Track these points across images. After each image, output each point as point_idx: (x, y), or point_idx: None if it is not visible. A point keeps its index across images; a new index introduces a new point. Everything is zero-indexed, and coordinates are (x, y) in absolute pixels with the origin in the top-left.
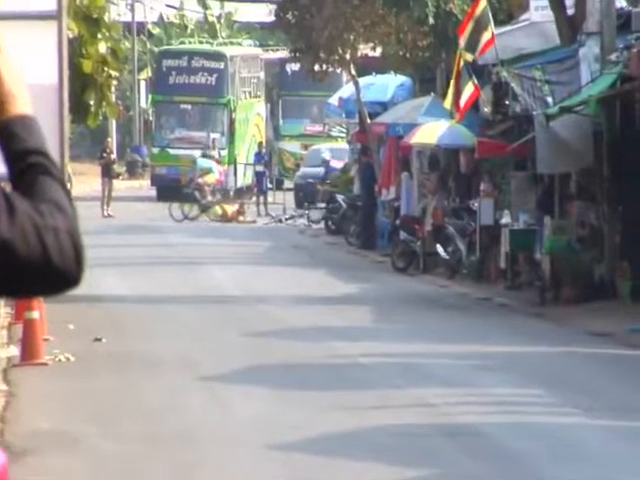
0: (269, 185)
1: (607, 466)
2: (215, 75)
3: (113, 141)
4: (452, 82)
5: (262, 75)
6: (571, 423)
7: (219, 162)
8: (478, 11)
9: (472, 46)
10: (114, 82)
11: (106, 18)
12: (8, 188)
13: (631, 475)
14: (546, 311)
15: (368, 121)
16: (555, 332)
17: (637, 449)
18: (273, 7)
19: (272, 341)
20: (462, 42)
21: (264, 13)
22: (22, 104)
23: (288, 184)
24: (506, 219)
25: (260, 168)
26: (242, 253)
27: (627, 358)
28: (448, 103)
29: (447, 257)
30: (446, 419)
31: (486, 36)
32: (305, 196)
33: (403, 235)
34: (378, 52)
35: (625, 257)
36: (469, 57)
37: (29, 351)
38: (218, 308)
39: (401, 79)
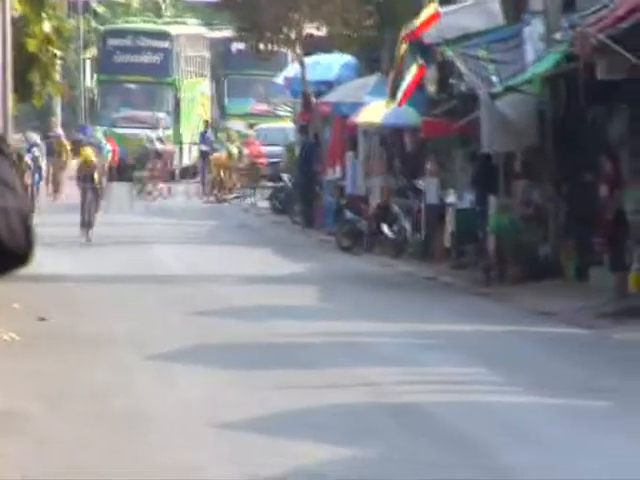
0: None
1: (548, 444)
2: (160, 54)
3: (58, 120)
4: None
5: (207, 54)
6: (514, 402)
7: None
8: None
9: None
10: (59, 61)
11: None
12: None
13: (570, 453)
14: (491, 290)
15: (314, 100)
16: (500, 311)
17: (579, 427)
18: None
19: (217, 320)
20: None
21: None
22: None
23: None
24: (451, 198)
25: (205, 147)
26: (187, 232)
27: (572, 336)
28: (390, 90)
29: (392, 236)
30: (390, 398)
31: (428, 13)
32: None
33: (348, 214)
34: (323, 31)
35: (570, 236)
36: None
37: None
38: (164, 287)
39: (346, 58)
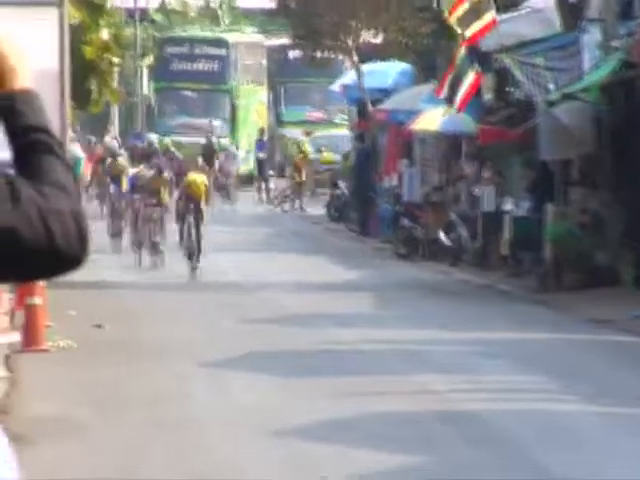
0: (270, 172)
1: (606, 453)
2: (217, 62)
3: (115, 128)
4: (449, 71)
5: (264, 62)
6: (572, 410)
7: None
8: None
9: (465, 23)
10: (116, 68)
11: (108, 5)
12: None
13: (628, 463)
14: (547, 298)
15: (370, 108)
16: (557, 319)
17: (634, 437)
18: None
19: (273, 328)
20: (455, 16)
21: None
22: (23, 79)
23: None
24: (508, 206)
25: (261, 155)
26: (244, 240)
27: (629, 345)
28: (442, 92)
29: (449, 244)
30: (447, 406)
31: (483, 22)
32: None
33: (405, 221)
34: (380, 39)
35: (628, 244)
36: (458, 29)
37: (31, 337)
38: (220, 295)
39: (402, 66)
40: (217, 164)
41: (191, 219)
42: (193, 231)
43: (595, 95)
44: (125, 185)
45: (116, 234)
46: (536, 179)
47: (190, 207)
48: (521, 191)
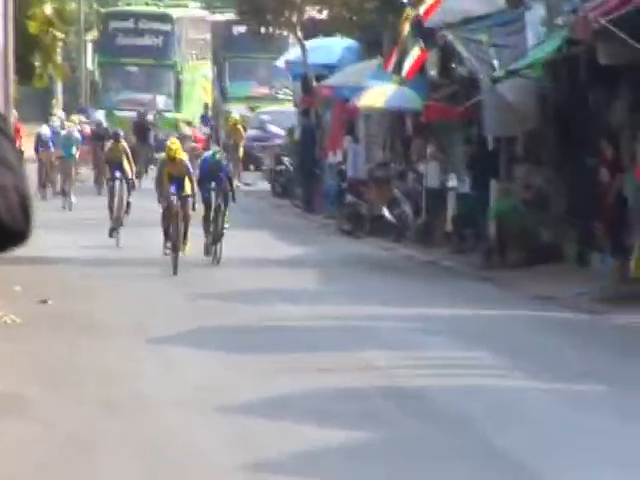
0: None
1: (550, 429)
2: (162, 37)
3: (59, 103)
4: (395, 46)
5: (209, 37)
6: (516, 386)
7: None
8: None
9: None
10: (60, 43)
11: None
12: None
13: (573, 438)
14: (492, 275)
15: (314, 84)
16: (501, 295)
17: (579, 412)
18: None
19: (219, 304)
20: None
21: None
22: None
23: None
24: (452, 182)
25: (206, 130)
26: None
27: (572, 321)
28: (390, 68)
29: (393, 220)
30: (391, 382)
31: None
32: (250, 159)
33: (349, 198)
34: (325, 14)
35: (571, 220)
36: (411, 12)
37: None
38: (165, 270)
39: (347, 42)
40: (152, 139)
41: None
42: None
43: (539, 72)
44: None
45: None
46: (474, 155)
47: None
48: (462, 168)
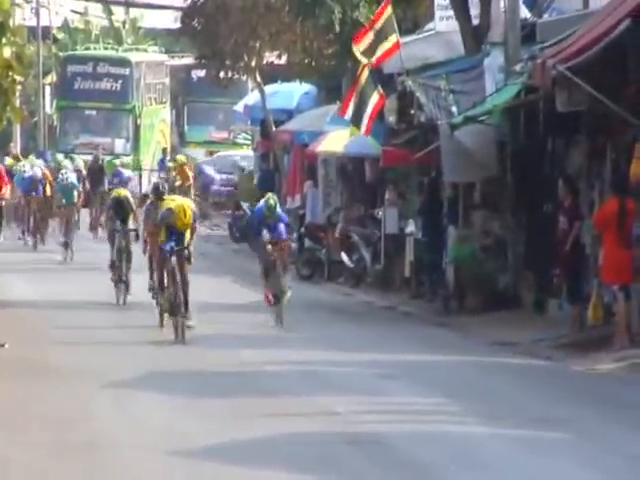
0: None
1: (508, 475)
2: (120, 81)
3: (17, 146)
4: (352, 90)
5: (168, 81)
6: (474, 432)
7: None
8: (382, 19)
9: (370, 53)
10: (18, 87)
11: (11, 22)
12: None
13: None
14: (450, 320)
15: (273, 129)
16: (458, 341)
17: (537, 458)
18: (179, 14)
19: (178, 348)
20: (359, 48)
21: (170, 19)
22: None
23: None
24: (410, 228)
25: (163, 175)
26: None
27: (529, 367)
28: (347, 113)
29: (352, 265)
30: (349, 427)
31: (387, 45)
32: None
33: (308, 243)
34: (284, 60)
35: (529, 267)
36: (364, 60)
37: None
38: (124, 314)
39: (307, 87)
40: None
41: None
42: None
43: (498, 118)
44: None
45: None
46: (425, 202)
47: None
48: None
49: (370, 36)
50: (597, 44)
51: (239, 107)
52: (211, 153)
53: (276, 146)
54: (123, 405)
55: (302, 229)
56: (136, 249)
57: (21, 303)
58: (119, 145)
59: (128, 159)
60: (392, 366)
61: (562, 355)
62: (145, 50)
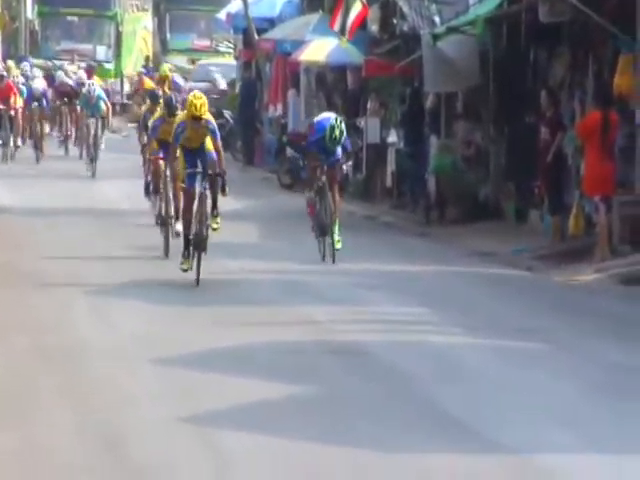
0: None
1: (487, 385)
2: None
3: None
4: (340, 2)
5: None
6: (453, 342)
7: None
8: None
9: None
10: None
11: None
12: None
13: (499, 389)
14: (431, 230)
15: (256, 37)
16: (439, 251)
17: (518, 368)
18: None
19: (159, 257)
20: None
21: None
22: None
23: None
24: (392, 138)
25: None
26: (128, 167)
27: (511, 278)
28: (336, 25)
29: None
30: (331, 336)
31: None
32: None
33: (290, 152)
34: None
35: (510, 178)
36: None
37: None
38: (104, 221)
39: None
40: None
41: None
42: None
43: (480, 29)
44: None
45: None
46: (406, 113)
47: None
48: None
49: None
50: None
51: (221, 15)
52: (193, 61)
53: (258, 55)
54: (103, 312)
55: (284, 137)
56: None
57: (8, 209)
58: (101, 52)
59: (110, 66)
60: (373, 276)
61: (542, 266)
62: None
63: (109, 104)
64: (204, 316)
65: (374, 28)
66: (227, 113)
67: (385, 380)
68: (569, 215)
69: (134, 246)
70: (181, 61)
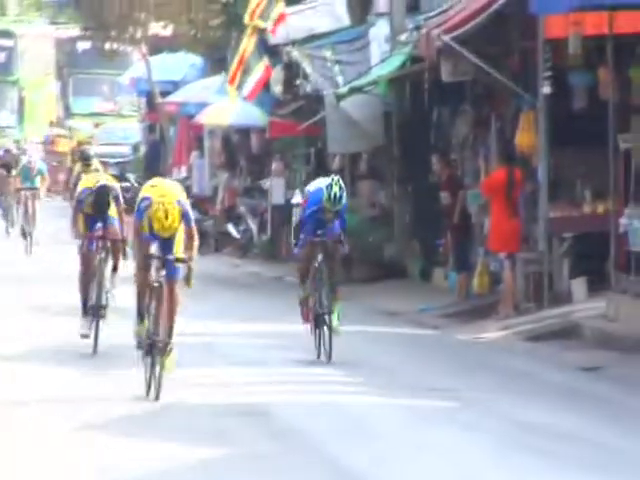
0: (54, 163)
1: (397, 444)
2: (4, 53)
3: None
4: (240, 61)
5: (53, 53)
6: (357, 401)
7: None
8: None
9: (265, 19)
10: None
11: None
12: None
13: (407, 448)
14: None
15: (159, 100)
16: (347, 311)
17: (425, 426)
18: None
19: (65, 320)
20: (254, 22)
21: None
22: None
23: None
24: (296, 198)
25: (50, 146)
26: (51, 235)
27: (417, 337)
28: (235, 81)
29: (239, 236)
30: (239, 398)
31: (275, 13)
32: None
33: (194, 214)
34: (169, 31)
35: (415, 237)
36: (261, 24)
37: None
38: (14, 283)
39: (193, 58)
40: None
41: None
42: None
43: (383, 89)
44: None
45: None
46: (312, 173)
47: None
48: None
49: (264, 2)
50: (481, 14)
51: (125, 79)
52: (97, 125)
53: (162, 117)
54: (15, 377)
55: (188, 199)
56: None
57: None
58: (4, 117)
59: (14, 131)
60: (280, 336)
61: (448, 324)
62: (30, 22)
63: (48, 178)
64: (115, 378)
65: (278, 89)
66: (132, 176)
67: (291, 441)
68: (474, 273)
69: (39, 307)
70: (85, 125)
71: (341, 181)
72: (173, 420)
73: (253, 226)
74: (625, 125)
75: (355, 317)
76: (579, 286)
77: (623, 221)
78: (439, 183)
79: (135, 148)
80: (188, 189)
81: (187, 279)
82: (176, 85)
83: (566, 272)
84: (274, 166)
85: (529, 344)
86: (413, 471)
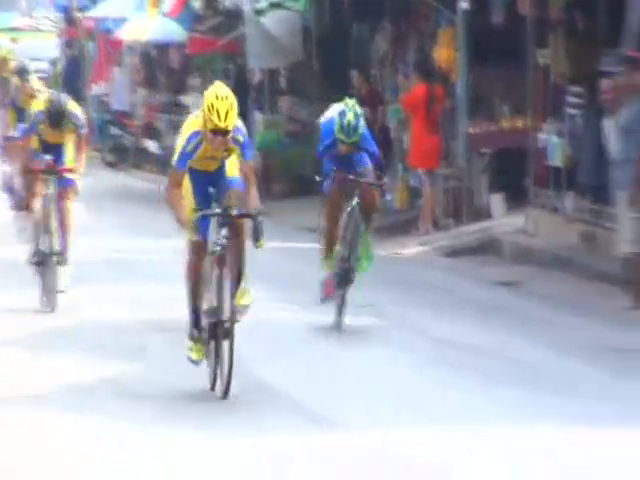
0: None
1: (318, 360)
2: None
3: None
4: None
5: None
6: (286, 318)
7: None
8: None
9: None
10: None
11: None
12: None
13: (343, 368)
14: None
15: (78, 15)
16: (270, 227)
17: (349, 343)
18: None
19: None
20: None
21: None
22: None
23: None
24: None
25: None
26: None
27: None
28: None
29: (157, 152)
30: (160, 315)
31: None
32: None
33: (113, 130)
34: None
35: None
36: None
37: None
38: None
39: None
40: None
41: None
42: None
43: (303, 4)
44: None
45: None
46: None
47: None
48: None
49: None
50: None
51: None
52: (15, 40)
53: (81, 33)
54: None
55: (107, 116)
56: None
57: None
58: None
59: None
60: None
61: None
62: None
63: None
64: (27, 297)
65: (197, 4)
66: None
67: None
68: (395, 189)
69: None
70: (2, 41)
71: (357, 106)
72: (89, 336)
73: (171, 141)
74: (543, 40)
75: (274, 232)
76: (498, 201)
77: (541, 136)
78: (359, 98)
79: (53, 64)
80: (107, 105)
81: (257, 238)
82: (94, 0)
83: (485, 188)
84: (192, 82)
85: (449, 259)
86: (336, 389)
